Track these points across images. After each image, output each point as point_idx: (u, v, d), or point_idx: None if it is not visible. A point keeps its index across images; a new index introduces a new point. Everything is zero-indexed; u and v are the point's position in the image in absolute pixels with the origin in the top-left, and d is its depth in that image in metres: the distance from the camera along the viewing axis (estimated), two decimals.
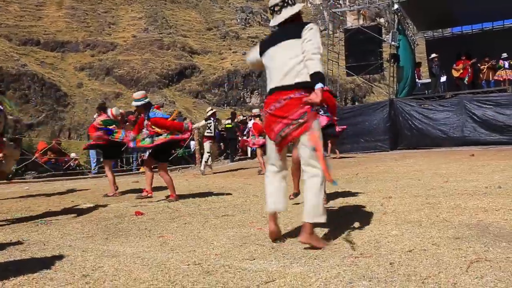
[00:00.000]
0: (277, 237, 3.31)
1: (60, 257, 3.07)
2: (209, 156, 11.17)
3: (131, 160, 13.37)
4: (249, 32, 45.18)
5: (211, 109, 11.84)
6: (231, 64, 38.07)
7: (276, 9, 3.31)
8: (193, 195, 6.45)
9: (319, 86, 2.98)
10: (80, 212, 5.33)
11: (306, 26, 3.18)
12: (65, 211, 5.40)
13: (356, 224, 3.72)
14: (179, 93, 34.50)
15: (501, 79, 14.17)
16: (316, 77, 3.00)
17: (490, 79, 14.51)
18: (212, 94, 35.59)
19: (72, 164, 14.46)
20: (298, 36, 3.15)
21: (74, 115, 29.35)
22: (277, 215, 3.37)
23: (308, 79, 3.04)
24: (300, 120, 3.05)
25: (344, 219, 3.96)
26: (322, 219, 3.08)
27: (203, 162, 11.11)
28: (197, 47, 40.23)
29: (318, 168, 3.07)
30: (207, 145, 11.13)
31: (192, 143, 14.05)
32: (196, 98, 34.78)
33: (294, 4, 3.34)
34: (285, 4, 3.30)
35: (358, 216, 4.07)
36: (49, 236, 3.90)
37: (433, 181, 6.07)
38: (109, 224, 4.43)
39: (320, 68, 3.05)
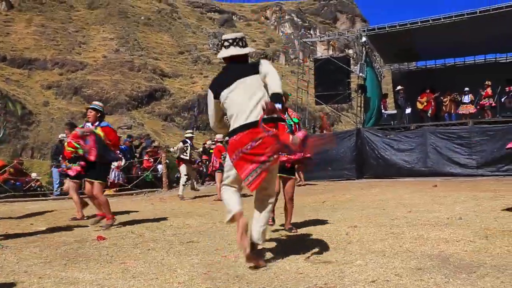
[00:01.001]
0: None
1: (14, 284, 2.93)
2: (186, 179, 10.98)
3: None
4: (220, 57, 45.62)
5: (191, 132, 11.76)
6: (202, 89, 38.11)
7: (225, 44, 3.52)
8: (158, 220, 6.33)
9: (277, 106, 3.16)
10: (39, 235, 5.14)
11: (261, 61, 3.43)
12: (23, 235, 5.19)
13: (322, 253, 3.72)
14: (148, 116, 34.15)
15: (464, 113, 14.74)
16: (276, 97, 3.19)
17: (452, 112, 15.06)
18: (181, 117, 35.39)
19: (33, 184, 14.01)
20: (255, 72, 3.36)
21: (39, 134, 28.55)
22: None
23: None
24: (273, 157, 3.24)
25: (310, 247, 3.96)
26: (261, 241, 3.50)
27: (181, 186, 10.81)
28: (168, 70, 40.16)
29: (272, 200, 3.56)
30: (183, 168, 10.95)
31: (160, 166, 13.86)
32: (165, 121, 34.48)
33: (244, 46, 3.54)
34: (235, 44, 3.51)
35: (324, 245, 4.09)
36: (4, 261, 3.73)
37: (397, 211, 6.18)
38: (69, 249, 4.28)
39: (280, 90, 3.25)
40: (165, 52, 43.30)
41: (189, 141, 10.95)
